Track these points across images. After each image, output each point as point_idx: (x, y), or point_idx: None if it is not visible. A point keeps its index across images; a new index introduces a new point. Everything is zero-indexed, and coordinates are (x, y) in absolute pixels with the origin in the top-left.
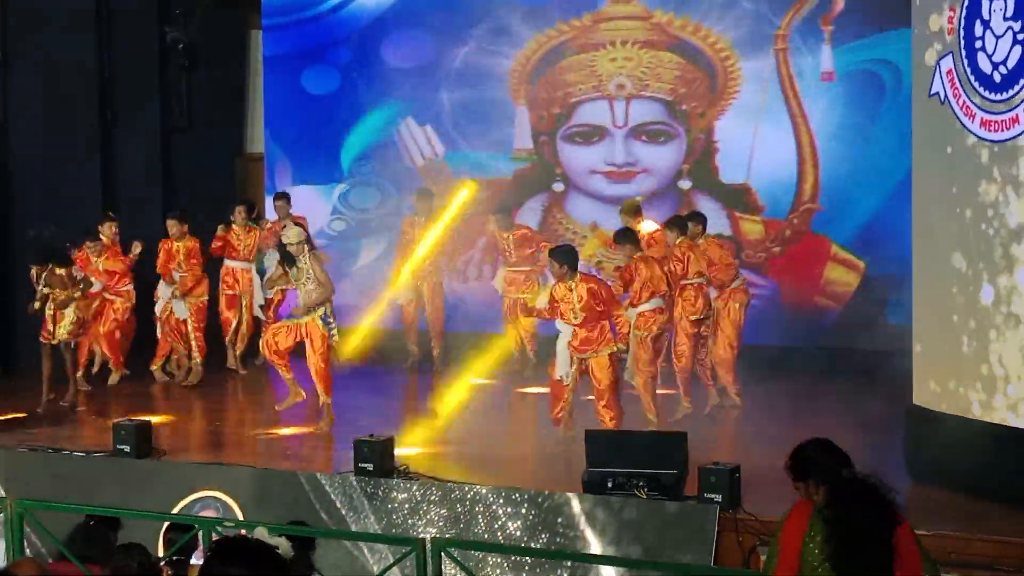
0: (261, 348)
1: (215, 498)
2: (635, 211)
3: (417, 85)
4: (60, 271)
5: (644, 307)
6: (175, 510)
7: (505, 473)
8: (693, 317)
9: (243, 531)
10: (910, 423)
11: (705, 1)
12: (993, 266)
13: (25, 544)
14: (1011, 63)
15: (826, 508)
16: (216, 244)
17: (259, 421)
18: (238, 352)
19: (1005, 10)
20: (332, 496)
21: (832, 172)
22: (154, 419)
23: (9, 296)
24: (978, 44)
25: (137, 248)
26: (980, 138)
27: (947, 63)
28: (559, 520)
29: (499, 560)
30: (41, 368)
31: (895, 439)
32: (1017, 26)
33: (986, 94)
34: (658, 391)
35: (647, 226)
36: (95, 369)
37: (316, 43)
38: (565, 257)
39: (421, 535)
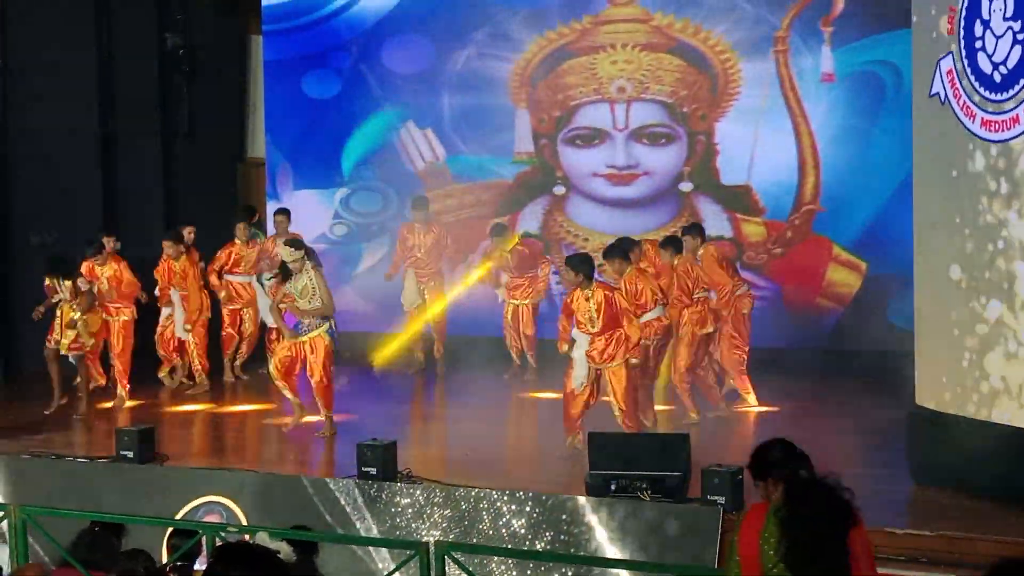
0: (271, 370)
1: (219, 503)
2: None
3: (418, 89)
4: (67, 282)
5: (646, 316)
6: (178, 516)
7: (508, 477)
8: (702, 332)
9: (246, 536)
10: (912, 424)
11: (705, 3)
12: (994, 264)
13: (30, 550)
14: (1011, 63)
15: (782, 508)
16: (217, 264)
17: (263, 427)
18: (239, 362)
19: (1005, 10)
20: (335, 500)
21: (833, 173)
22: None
23: (10, 300)
24: (978, 44)
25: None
26: (981, 138)
27: (947, 63)
28: (563, 517)
29: (503, 560)
30: (49, 373)
31: (897, 440)
32: (1017, 26)
33: (986, 94)
34: (656, 406)
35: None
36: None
37: (317, 48)
38: (581, 265)
39: (425, 539)
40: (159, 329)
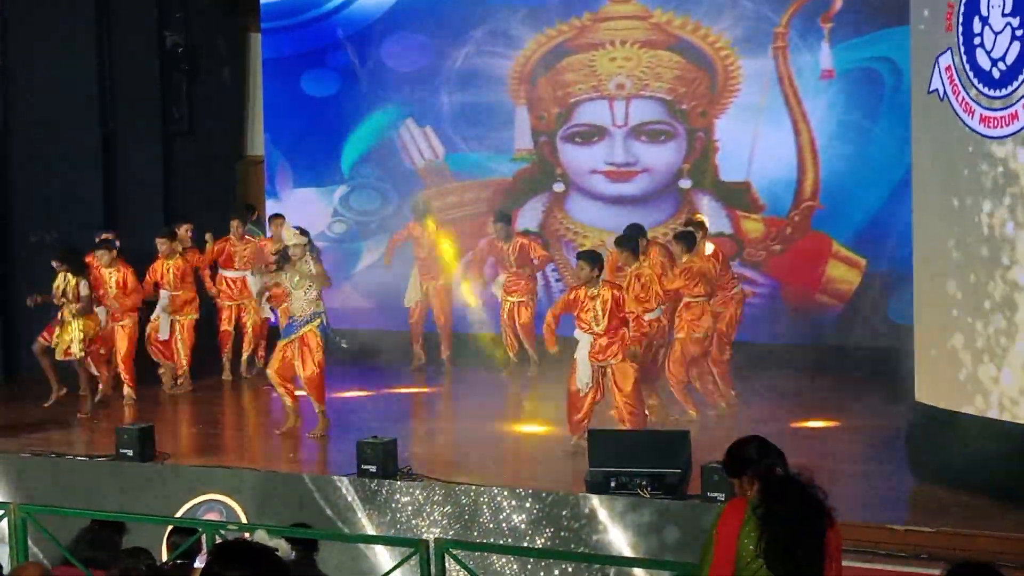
0: (269, 373)
1: (218, 501)
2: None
3: (417, 87)
4: (72, 281)
5: (648, 316)
6: (178, 514)
7: (508, 474)
8: (697, 335)
9: (246, 534)
10: (912, 420)
11: (704, 0)
12: (994, 260)
13: (29, 549)
14: (1010, 59)
15: (760, 505)
16: (209, 256)
17: (260, 424)
18: (245, 356)
19: (1003, 6)
20: (335, 498)
21: (832, 170)
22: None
23: (9, 299)
24: (977, 40)
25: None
26: (980, 134)
27: (946, 59)
28: (563, 514)
29: (503, 559)
30: (43, 369)
31: (897, 436)
32: (1015, 22)
33: (985, 90)
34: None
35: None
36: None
37: (315, 46)
38: (595, 261)
39: (424, 536)
40: (147, 330)
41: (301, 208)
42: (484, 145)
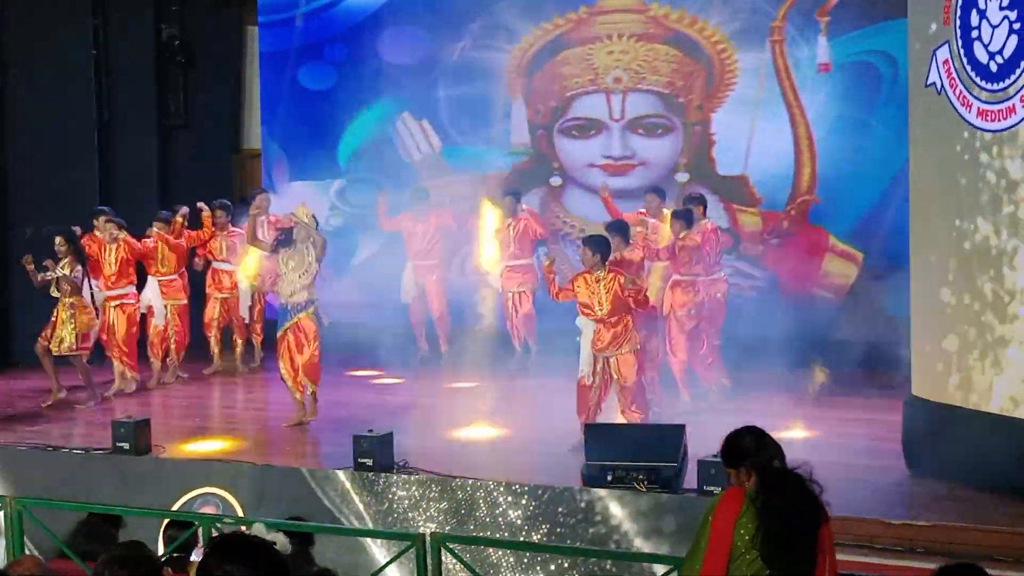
0: (279, 368)
1: (215, 494)
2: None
3: (413, 80)
4: (67, 268)
5: None
6: (175, 507)
7: (505, 467)
8: (682, 312)
9: (243, 527)
10: (908, 414)
11: None
12: (991, 253)
13: (25, 542)
14: (1007, 52)
15: (758, 497)
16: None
17: (256, 418)
18: (237, 351)
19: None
20: (332, 491)
21: (829, 163)
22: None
23: (5, 292)
24: (974, 34)
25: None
26: (977, 128)
27: (943, 53)
28: (560, 508)
29: (500, 552)
30: (44, 369)
31: (893, 430)
32: (1013, 15)
33: (983, 83)
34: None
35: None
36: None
37: (312, 39)
38: (600, 246)
39: (421, 530)
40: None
41: (297, 201)
42: (481, 138)
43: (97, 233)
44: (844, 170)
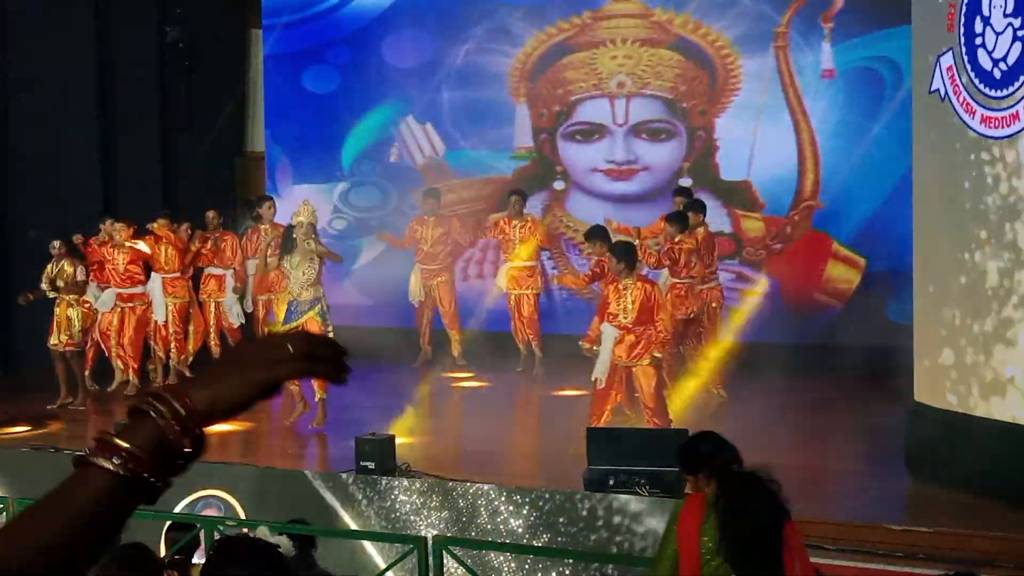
0: None
1: (216, 497)
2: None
3: (417, 84)
4: (69, 269)
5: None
6: (177, 509)
7: (508, 471)
8: (680, 316)
9: (245, 530)
10: (911, 420)
11: None
12: (994, 260)
13: None
14: (1011, 59)
15: (719, 501)
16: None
17: (259, 420)
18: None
19: (1005, 7)
20: (334, 494)
21: (833, 169)
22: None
23: (8, 294)
24: (978, 41)
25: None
26: (981, 135)
27: (947, 59)
28: (562, 513)
29: (501, 557)
30: (55, 372)
31: (896, 436)
32: (1017, 22)
33: (986, 90)
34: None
35: None
36: (115, 385)
37: (316, 42)
38: (624, 254)
39: (423, 534)
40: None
41: (300, 203)
42: (484, 142)
43: (103, 236)
44: (847, 176)
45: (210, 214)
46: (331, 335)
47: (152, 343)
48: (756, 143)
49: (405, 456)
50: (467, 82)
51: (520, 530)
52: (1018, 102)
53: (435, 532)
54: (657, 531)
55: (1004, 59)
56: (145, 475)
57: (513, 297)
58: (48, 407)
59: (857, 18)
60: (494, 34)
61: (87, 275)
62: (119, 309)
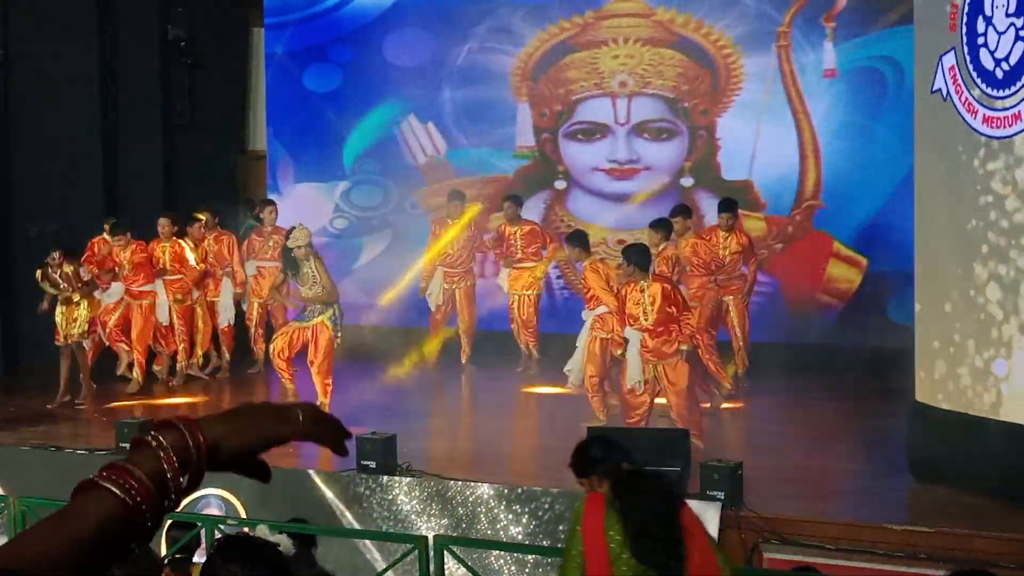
0: (271, 354)
1: (217, 496)
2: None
3: (419, 83)
4: (67, 268)
5: (602, 309)
6: (177, 508)
7: (508, 471)
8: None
9: (246, 529)
10: (912, 420)
11: None
12: (995, 260)
13: None
14: (1013, 59)
15: (615, 500)
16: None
17: None
18: (197, 357)
19: (1007, 6)
20: (334, 493)
21: (834, 169)
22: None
23: (9, 291)
24: (980, 40)
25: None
26: (983, 134)
27: (949, 59)
28: (563, 513)
29: (501, 557)
30: (59, 368)
31: (897, 436)
32: (1019, 22)
33: (989, 90)
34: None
35: None
36: (122, 370)
37: (318, 41)
38: (637, 256)
39: (424, 533)
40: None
41: (302, 203)
42: (486, 142)
43: (107, 237)
44: (849, 176)
45: (205, 214)
46: (338, 341)
47: (154, 345)
48: (758, 143)
49: (406, 455)
50: (469, 81)
51: (522, 525)
52: (1020, 102)
53: (437, 530)
54: None
55: (1006, 59)
56: (144, 507)
57: (515, 297)
58: (47, 406)
59: (859, 18)
60: (496, 33)
61: (90, 274)
62: (125, 303)
